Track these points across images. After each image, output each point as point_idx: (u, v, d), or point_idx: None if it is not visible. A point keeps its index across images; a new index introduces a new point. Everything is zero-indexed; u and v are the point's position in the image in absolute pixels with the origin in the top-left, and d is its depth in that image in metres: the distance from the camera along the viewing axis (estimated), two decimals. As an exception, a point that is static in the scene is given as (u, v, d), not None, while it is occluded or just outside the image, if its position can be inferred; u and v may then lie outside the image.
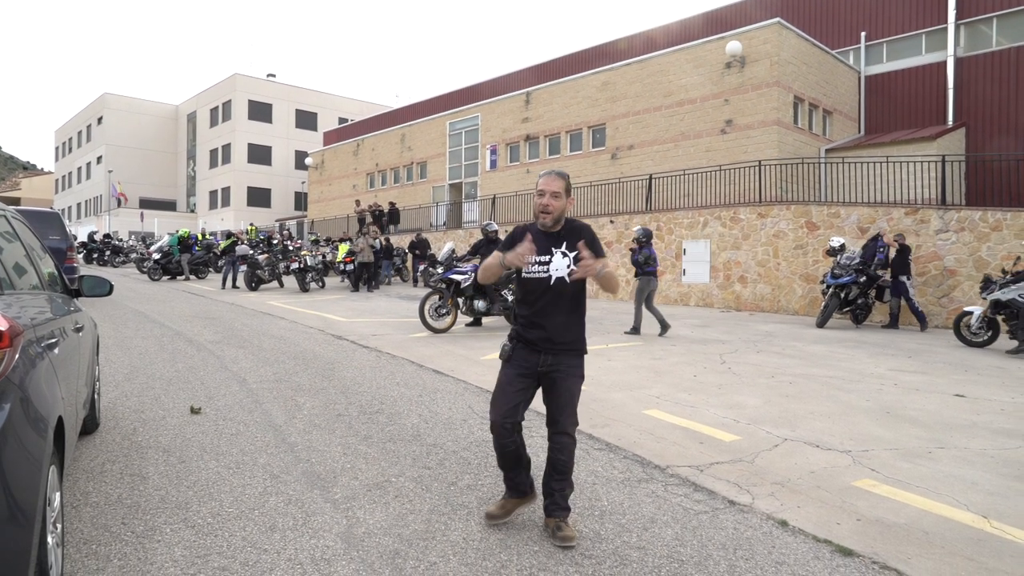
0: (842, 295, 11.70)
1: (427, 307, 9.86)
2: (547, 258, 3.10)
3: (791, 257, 14.32)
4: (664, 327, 10.24)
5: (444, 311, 9.99)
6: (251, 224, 24.65)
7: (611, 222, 17.64)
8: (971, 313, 9.70)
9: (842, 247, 11.95)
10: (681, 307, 15.41)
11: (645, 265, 10.41)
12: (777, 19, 18.22)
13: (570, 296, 3.12)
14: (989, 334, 9.56)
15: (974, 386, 6.79)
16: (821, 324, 11.70)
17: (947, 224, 12.41)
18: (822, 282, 12.26)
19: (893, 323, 11.92)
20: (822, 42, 20.43)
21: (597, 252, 3.06)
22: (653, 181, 17.88)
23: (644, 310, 10.44)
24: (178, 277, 21.11)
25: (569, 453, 3.10)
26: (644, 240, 10.67)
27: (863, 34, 21.01)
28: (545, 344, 3.09)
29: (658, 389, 6.34)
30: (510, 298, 10.99)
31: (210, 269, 22.72)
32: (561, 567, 2.82)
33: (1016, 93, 18.53)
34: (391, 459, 4.19)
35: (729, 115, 18.67)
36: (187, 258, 21.04)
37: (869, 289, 11.83)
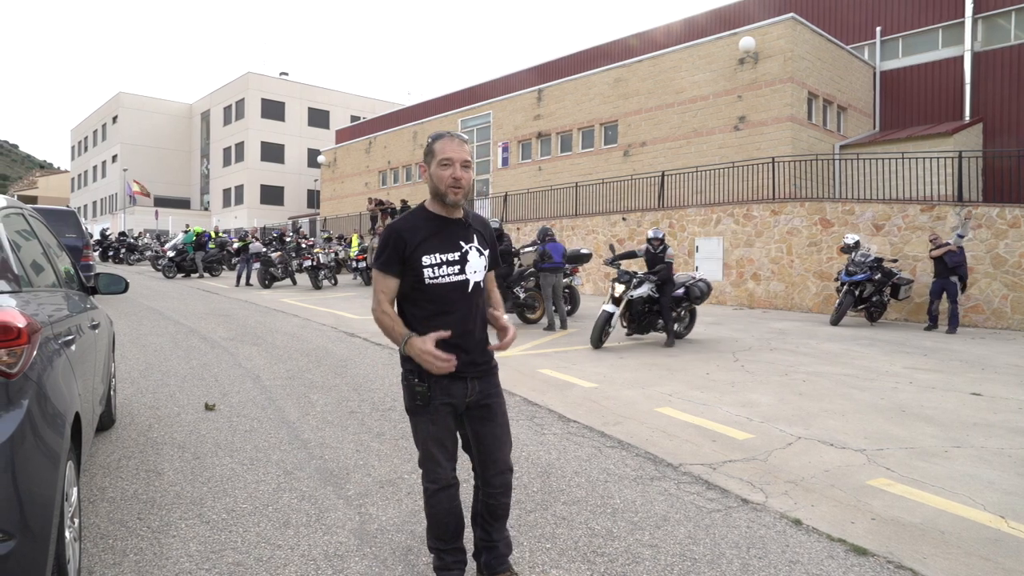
0: (856, 292, 11.60)
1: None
2: (456, 255, 2.36)
3: (805, 254, 14.21)
4: (556, 326, 10.48)
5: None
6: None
7: (623, 219, 17.58)
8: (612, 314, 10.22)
9: (856, 244, 11.83)
10: (693, 305, 15.33)
11: (541, 262, 10.51)
12: (791, 15, 18.05)
13: (484, 302, 2.49)
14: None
15: (991, 384, 6.71)
16: (835, 322, 11.59)
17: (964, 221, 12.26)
18: (836, 279, 12.15)
19: (952, 326, 11.04)
20: (836, 37, 20.22)
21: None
22: (665, 178, 17.79)
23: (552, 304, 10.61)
24: (192, 275, 21.28)
25: (510, 494, 2.54)
26: (540, 239, 10.77)
27: (878, 29, 20.78)
28: (471, 369, 2.42)
29: (670, 387, 6.32)
30: (522, 295, 10.98)
31: (224, 267, 22.89)
32: (574, 564, 2.82)
33: (1035, 88, 18.26)
34: (403, 456, 4.21)
35: (742, 112, 18.54)
36: (201, 256, 21.20)
37: (884, 287, 11.71)
